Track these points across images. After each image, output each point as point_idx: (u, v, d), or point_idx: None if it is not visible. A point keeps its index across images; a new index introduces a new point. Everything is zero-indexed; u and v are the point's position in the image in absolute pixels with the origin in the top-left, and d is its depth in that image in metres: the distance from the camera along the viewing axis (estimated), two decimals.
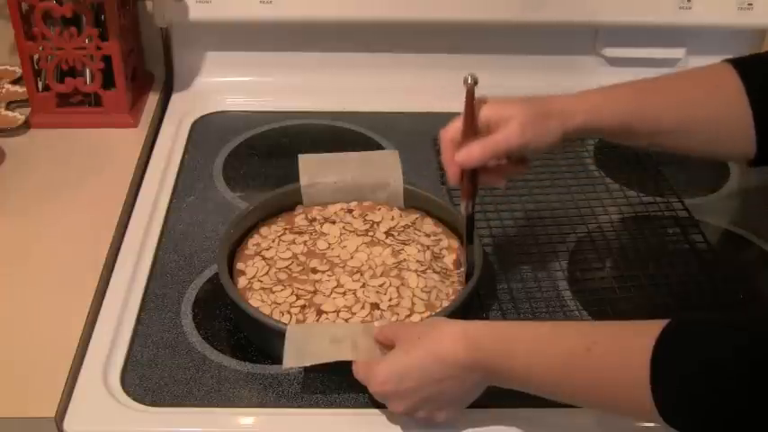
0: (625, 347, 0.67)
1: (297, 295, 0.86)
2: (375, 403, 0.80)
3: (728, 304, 0.91)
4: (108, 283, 0.92)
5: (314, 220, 0.95)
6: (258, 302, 0.85)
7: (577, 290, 0.93)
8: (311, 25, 1.21)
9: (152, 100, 1.21)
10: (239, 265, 0.90)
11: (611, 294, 0.92)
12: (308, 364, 0.80)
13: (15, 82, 1.19)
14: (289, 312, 0.84)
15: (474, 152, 0.80)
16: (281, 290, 0.86)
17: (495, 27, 1.22)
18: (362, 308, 0.84)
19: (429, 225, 0.96)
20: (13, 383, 0.80)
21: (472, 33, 1.24)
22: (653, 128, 0.84)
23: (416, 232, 0.94)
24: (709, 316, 0.68)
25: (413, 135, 1.17)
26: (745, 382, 0.61)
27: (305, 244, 0.92)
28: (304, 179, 0.98)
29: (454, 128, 0.82)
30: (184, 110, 1.21)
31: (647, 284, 0.93)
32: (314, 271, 0.89)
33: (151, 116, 1.18)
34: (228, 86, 1.25)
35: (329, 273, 0.88)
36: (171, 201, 1.05)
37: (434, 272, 0.89)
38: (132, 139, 1.13)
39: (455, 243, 0.93)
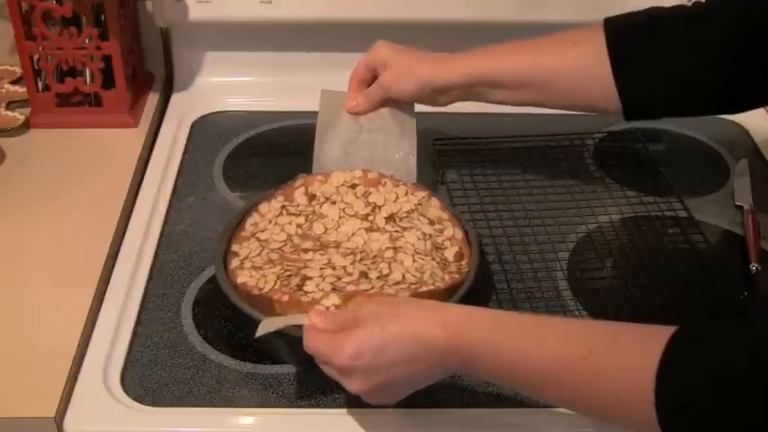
0: (627, 357, 0.65)
1: (285, 269, 0.84)
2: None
3: (729, 304, 0.91)
4: (108, 284, 0.92)
5: (314, 197, 0.93)
6: (246, 278, 0.83)
7: (577, 290, 0.93)
8: (311, 25, 1.21)
9: (152, 100, 1.21)
10: (234, 247, 0.89)
11: (611, 294, 0.92)
12: (272, 330, 0.77)
13: (15, 82, 1.20)
14: (274, 282, 0.82)
15: (360, 103, 0.99)
16: (271, 267, 0.85)
17: (495, 27, 1.22)
18: (350, 275, 0.81)
19: (435, 209, 0.93)
20: (13, 383, 0.80)
21: (472, 33, 1.23)
22: (515, 81, 0.94)
23: (420, 218, 0.91)
24: (717, 323, 0.65)
25: None
26: (761, 394, 0.57)
27: (300, 227, 0.90)
28: (321, 113, 0.97)
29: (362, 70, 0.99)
30: (184, 110, 1.22)
31: (647, 284, 0.93)
32: (305, 251, 0.86)
33: (151, 116, 1.18)
34: (228, 86, 1.25)
35: (321, 252, 0.86)
36: (171, 201, 1.05)
37: (432, 259, 0.86)
38: (132, 139, 1.13)
39: (460, 233, 0.90)
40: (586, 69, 0.91)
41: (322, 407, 0.81)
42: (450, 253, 0.88)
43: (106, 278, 0.93)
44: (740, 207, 1.05)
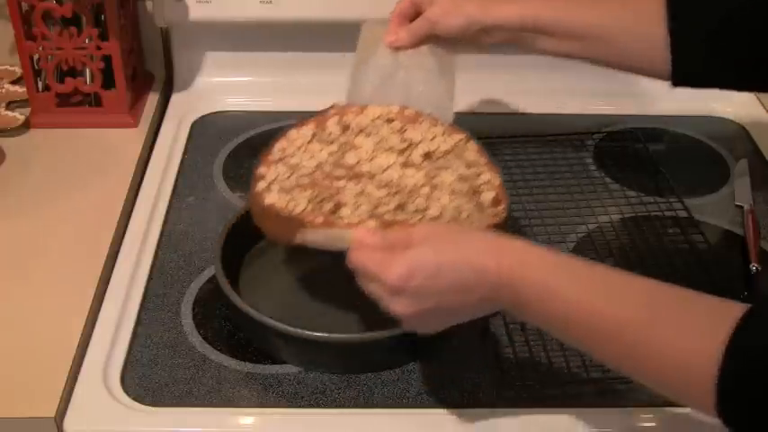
0: (694, 332, 0.61)
1: (317, 194, 0.80)
2: (376, 403, 0.80)
3: None
4: (108, 284, 0.92)
5: (347, 127, 0.89)
6: (274, 199, 0.79)
7: None
8: (312, 25, 1.21)
9: (152, 100, 1.21)
10: (261, 170, 0.84)
11: None
12: (310, 240, 0.75)
13: (15, 82, 1.20)
14: (306, 205, 0.78)
15: (402, 37, 0.94)
16: (301, 191, 0.80)
17: None
18: (386, 205, 0.78)
19: (472, 152, 0.88)
20: (13, 383, 0.80)
21: None
22: (565, 32, 0.90)
23: (457, 160, 0.86)
24: None
25: None
26: None
27: (332, 155, 0.86)
28: (360, 46, 0.95)
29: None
30: (184, 110, 1.22)
31: None
32: (338, 178, 0.82)
33: (151, 116, 1.18)
34: (228, 86, 1.25)
35: (355, 181, 0.81)
36: (171, 201, 1.05)
37: (469, 201, 0.81)
38: (132, 139, 1.13)
39: (497, 179, 0.85)
40: (642, 28, 0.88)
41: (322, 407, 0.81)
42: (486, 197, 0.83)
43: (106, 278, 0.93)
44: (740, 207, 1.05)
